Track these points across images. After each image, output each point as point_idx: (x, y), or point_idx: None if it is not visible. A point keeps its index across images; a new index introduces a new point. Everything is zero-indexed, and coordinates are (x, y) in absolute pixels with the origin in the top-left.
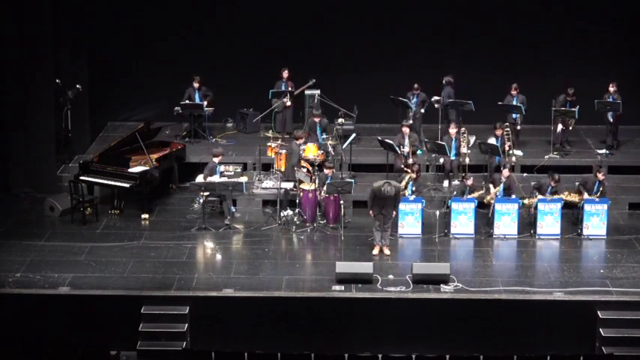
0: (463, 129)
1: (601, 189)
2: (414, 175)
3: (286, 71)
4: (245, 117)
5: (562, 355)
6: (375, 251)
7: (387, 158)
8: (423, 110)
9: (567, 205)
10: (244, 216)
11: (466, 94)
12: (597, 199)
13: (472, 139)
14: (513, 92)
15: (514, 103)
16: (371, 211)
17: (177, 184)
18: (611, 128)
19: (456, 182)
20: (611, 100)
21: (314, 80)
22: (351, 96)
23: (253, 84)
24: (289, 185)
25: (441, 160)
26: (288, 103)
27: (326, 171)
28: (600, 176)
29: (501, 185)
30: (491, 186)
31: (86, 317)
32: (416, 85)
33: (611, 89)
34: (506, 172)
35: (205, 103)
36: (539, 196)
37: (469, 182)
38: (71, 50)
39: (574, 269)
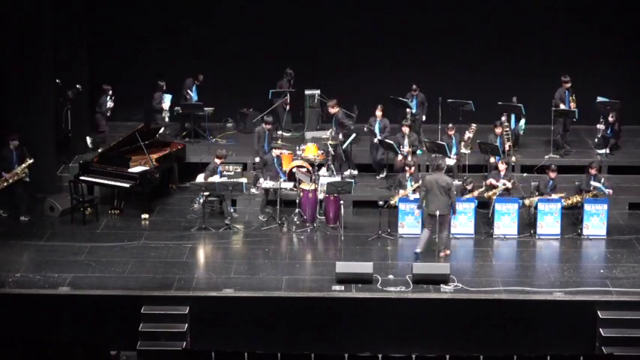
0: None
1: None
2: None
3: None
4: (245, 117)
5: (562, 355)
6: (442, 253)
7: (387, 158)
8: (424, 117)
9: (568, 207)
10: (244, 216)
11: (466, 94)
12: (604, 188)
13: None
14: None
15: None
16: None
17: (177, 184)
18: (612, 128)
19: (456, 182)
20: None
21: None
22: (351, 96)
23: (253, 84)
24: (289, 185)
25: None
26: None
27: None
28: (592, 171)
29: (501, 182)
30: (492, 182)
31: (86, 317)
32: (414, 86)
33: (611, 119)
34: (502, 166)
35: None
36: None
37: (469, 187)
38: (71, 50)
39: (574, 269)
